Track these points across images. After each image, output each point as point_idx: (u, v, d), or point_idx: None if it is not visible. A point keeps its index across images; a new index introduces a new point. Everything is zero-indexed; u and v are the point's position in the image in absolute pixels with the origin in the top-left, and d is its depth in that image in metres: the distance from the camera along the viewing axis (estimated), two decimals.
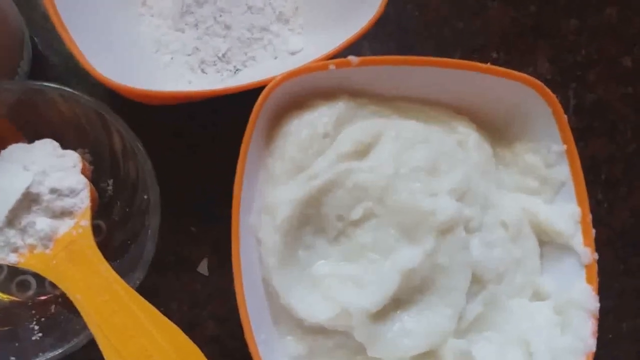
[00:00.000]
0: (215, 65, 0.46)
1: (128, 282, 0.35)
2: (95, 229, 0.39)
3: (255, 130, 0.37)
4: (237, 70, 0.46)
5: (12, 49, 0.42)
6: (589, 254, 0.37)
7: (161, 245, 0.41)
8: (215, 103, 0.46)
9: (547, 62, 0.52)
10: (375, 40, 0.50)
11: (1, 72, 0.41)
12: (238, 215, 0.35)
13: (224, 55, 0.46)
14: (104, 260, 0.35)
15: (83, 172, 0.38)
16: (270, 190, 0.37)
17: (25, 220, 0.35)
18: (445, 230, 0.36)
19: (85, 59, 0.36)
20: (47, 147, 0.38)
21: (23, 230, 0.35)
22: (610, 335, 0.45)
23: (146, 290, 0.35)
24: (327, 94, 0.39)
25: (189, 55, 0.46)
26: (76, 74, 0.47)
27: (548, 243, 0.40)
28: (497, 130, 0.43)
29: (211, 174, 0.45)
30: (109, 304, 0.34)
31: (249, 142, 0.36)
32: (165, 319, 0.33)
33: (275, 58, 0.46)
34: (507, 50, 0.52)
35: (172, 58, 0.46)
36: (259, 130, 0.37)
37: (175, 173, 0.44)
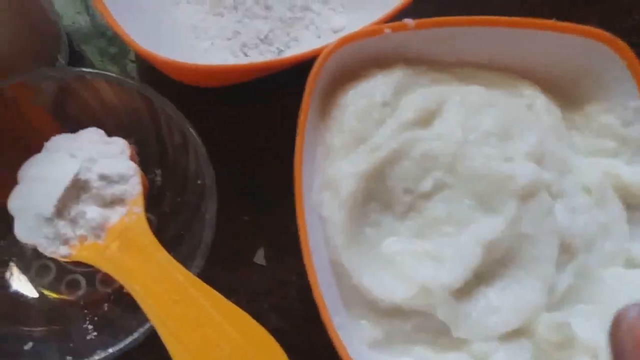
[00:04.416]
0: (257, 47, 0.44)
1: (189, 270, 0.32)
2: None
3: (311, 104, 0.34)
4: (280, 51, 0.44)
5: (51, 39, 0.41)
6: None
7: (214, 237, 0.39)
8: (261, 85, 0.44)
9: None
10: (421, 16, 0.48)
11: (41, 63, 0.40)
12: (301, 192, 0.32)
13: (265, 37, 0.44)
14: (161, 247, 0.33)
15: (132, 159, 0.36)
16: (330, 165, 0.35)
17: (74, 210, 0.33)
18: (526, 195, 0.33)
19: (133, 40, 0.35)
20: (92, 135, 0.36)
21: (73, 221, 0.33)
22: None
23: None
24: (382, 63, 0.37)
25: (229, 39, 0.44)
26: (111, 69, 0.46)
27: (635, 207, 0.36)
28: (564, 93, 0.40)
29: (260, 159, 0.43)
30: (170, 293, 0.31)
31: (307, 114, 0.34)
32: (232, 305, 0.31)
33: (319, 37, 0.44)
34: (559, 18, 0.49)
35: (212, 43, 0.44)
36: (314, 103, 0.35)
37: (223, 161, 0.42)
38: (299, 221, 0.32)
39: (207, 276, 0.38)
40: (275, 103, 0.44)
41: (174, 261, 0.32)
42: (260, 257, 0.40)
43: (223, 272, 0.40)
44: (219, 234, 0.40)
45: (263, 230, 0.41)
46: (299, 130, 0.33)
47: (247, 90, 0.44)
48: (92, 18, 0.47)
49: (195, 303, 0.31)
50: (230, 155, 0.43)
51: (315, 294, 0.30)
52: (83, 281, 0.37)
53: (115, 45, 0.46)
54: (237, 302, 0.39)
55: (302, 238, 0.31)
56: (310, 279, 0.31)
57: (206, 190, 0.34)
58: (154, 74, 0.40)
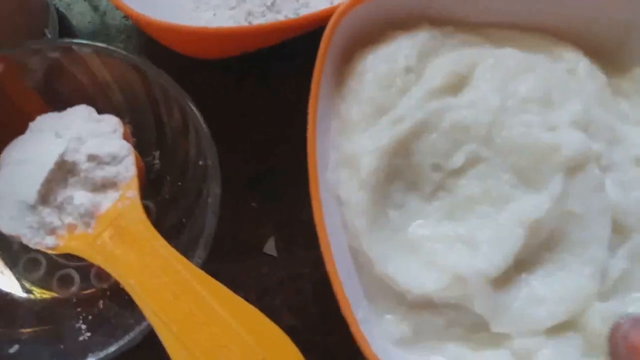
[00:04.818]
0: (264, 16, 0.40)
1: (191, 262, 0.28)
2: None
3: (324, 71, 0.30)
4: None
5: (38, 12, 0.38)
6: None
7: (218, 226, 0.35)
8: (269, 59, 0.40)
9: None
10: None
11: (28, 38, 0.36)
12: (316, 170, 0.28)
13: (273, 4, 0.40)
14: (158, 235, 0.29)
15: (125, 138, 0.32)
16: (347, 141, 0.31)
17: (61, 195, 0.30)
18: (574, 168, 0.29)
19: (129, 7, 0.32)
20: (81, 113, 0.32)
21: (60, 208, 0.30)
22: None
23: None
24: (404, 24, 0.33)
25: (232, 8, 0.40)
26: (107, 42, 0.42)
27: None
28: (607, 56, 0.35)
29: (269, 141, 0.39)
30: (169, 286, 0.27)
31: (320, 83, 0.30)
32: (241, 300, 0.27)
33: (332, 3, 0.40)
34: None
35: (214, 14, 0.40)
36: (328, 70, 0.31)
37: (228, 143, 0.38)
38: (314, 203, 0.28)
39: (212, 269, 0.35)
40: (285, 79, 0.40)
41: (173, 251, 0.28)
42: (270, 247, 0.36)
43: (229, 264, 0.36)
44: (225, 223, 0.36)
45: (273, 219, 0.37)
46: (311, 101, 0.29)
47: (254, 66, 0.40)
48: None
49: (199, 298, 0.27)
50: (236, 137, 0.39)
51: (335, 286, 0.26)
52: (76, 276, 0.33)
53: (109, 19, 0.43)
54: (246, 298, 0.35)
55: (317, 223, 0.27)
56: (329, 269, 0.27)
57: (209, 171, 0.30)
58: (152, 48, 0.36)
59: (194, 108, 0.32)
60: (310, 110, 0.29)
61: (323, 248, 0.27)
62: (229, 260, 0.36)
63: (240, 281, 0.36)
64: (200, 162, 0.31)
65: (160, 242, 0.28)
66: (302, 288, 0.36)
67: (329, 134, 0.32)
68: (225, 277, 0.36)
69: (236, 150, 0.38)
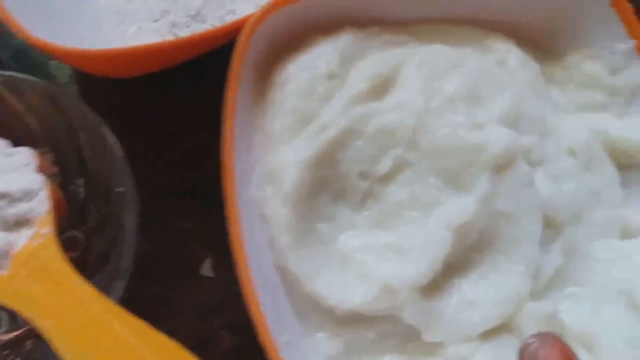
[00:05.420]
0: (188, 27, 0.38)
1: (109, 296, 0.27)
2: (71, 242, 0.32)
3: (242, 82, 0.29)
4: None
5: None
6: None
7: (152, 249, 0.34)
8: (191, 68, 0.39)
9: None
10: None
11: None
12: (233, 190, 0.27)
13: (197, 14, 0.38)
14: (74, 273, 0.27)
15: (42, 170, 0.31)
16: (271, 155, 0.30)
17: None
18: (501, 166, 0.28)
19: (23, 27, 0.30)
20: None
21: None
22: None
23: (141, 307, 0.27)
24: (327, 29, 0.32)
25: (156, 20, 0.39)
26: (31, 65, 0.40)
27: (629, 167, 0.31)
28: (538, 45, 0.35)
29: (196, 156, 0.37)
30: (87, 327, 0.26)
31: (236, 96, 0.28)
32: (162, 336, 0.26)
33: (258, 7, 0.39)
34: None
35: (139, 28, 0.39)
36: (247, 82, 0.30)
37: (155, 162, 0.37)
38: (232, 225, 0.27)
39: (148, 296, 0.34)
40: (213, 88, 0.38)
41: (90, 288, 0.27)
42: (207, 269, 0.35)
43: (166, 290, 0.34)
44: (159, 246, 0.35)
45: (208, 236, 0.36)
46: (226, 117, 0.28)
47: (180, 76, 0.39)
48: None
49: (118, 337, 0.25)
50: (160, 156, 0.37)
51: (252, 310, 0.25)
52: (5, 317, 0.32)
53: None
54: (185, 323, 0.34)
55: (235, 245, 0.26)
56: (246, 291, 0.26)
57: (126, 198, 0.29)
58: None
59: (109, 134, 0.30)
60: (226, 128, 0.28)
61: (240, 271, 0.26)
62: (166, 285, 0.35)
63: (179, 305, 0.35)
64: (118, 189, 0.30)
65: (75, 280, 0.27)
66: (242, 306, 0.35)
67: (252, 149, 0.31)
68: (164, 302, 0.35)
69: (165, 166, 0.37)
